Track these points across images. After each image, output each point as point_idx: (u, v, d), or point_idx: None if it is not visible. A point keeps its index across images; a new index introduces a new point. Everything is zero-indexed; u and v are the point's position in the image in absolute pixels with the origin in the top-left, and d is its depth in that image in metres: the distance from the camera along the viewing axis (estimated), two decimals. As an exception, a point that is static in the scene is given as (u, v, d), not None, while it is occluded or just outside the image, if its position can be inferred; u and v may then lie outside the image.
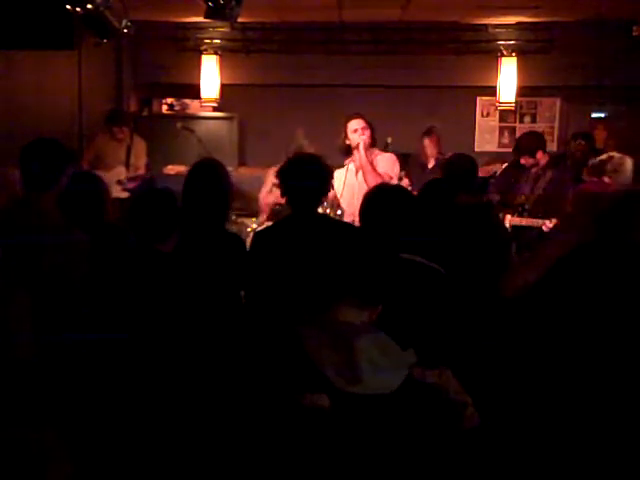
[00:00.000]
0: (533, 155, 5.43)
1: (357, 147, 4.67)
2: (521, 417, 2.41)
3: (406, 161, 6.34)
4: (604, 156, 4.58)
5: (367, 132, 4.71)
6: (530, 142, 5.54)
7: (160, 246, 2.94)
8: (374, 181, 4.39)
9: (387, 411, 1.45)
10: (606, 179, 4.36)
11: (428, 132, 6.73)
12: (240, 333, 3.14)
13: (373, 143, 4.79)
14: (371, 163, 4.65)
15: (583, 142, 6.77)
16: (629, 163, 4.45)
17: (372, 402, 1.44)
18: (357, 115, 4.78)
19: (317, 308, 1.56)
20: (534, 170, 5.50)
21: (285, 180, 3.31)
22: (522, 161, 5.51)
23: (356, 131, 4.71)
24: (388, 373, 1.48)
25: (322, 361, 1.44)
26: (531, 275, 2.70)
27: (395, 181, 4.77)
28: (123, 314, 2.76)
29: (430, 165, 6.66)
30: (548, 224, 4.86)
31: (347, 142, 4.75)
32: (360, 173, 4.71)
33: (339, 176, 4.62)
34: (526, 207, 5.19)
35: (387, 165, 4.75)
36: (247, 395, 1.45)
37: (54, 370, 2.73)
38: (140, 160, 6.70)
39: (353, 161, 4.79)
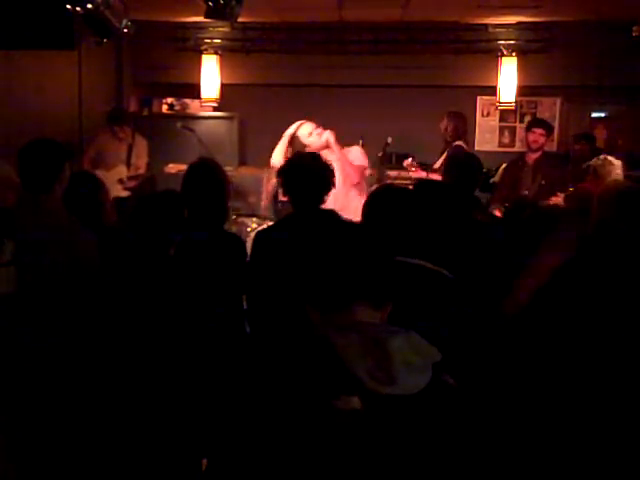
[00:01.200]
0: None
1: (328, 144, 4.66)
2: (520, 422, 2.42)
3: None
4: (598, 160, 4.66)
5: (321, 130, 4.73)
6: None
7: (163, 247, 2.93)
8: (353, 172, 4.56)
9: (417, 410, 1.44)
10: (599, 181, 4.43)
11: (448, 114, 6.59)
12: (241, 334, 3.14)
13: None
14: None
15: (585, 143, 6.80)
16: (618, 165, 4.54)
17: (403, 402, 1.43)
18: (303, 122, 4.81)
19: (334, 308, 1.55)
20: (532, 163, 5.64)
21: (287, 178, 3.31)
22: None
23: (311, 134, 4.74)
24: (420, 372, 1.48)
25: (353, 363, 1.43)
26: (528, 291, 2.70)
27: (367, 172, 4.88)
28: (125, 315, 2.76)
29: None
30: (554, 199, 5.11)
31: (306, 149, 4.63)
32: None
33: None
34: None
35: (359, 157, 4.78)
36: (268, 400, 1.44)
37: (45, 371, 2.73)
38: (141, 159, 6.69)
39: None
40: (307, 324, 1.56)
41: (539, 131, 5.76)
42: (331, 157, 4.03)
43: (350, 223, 3.50)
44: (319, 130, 4.76)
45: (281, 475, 1.38)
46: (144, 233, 2.94)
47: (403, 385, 1.42)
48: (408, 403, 1.42)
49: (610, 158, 4.68)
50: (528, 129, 5.93)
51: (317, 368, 1.42)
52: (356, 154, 4.79)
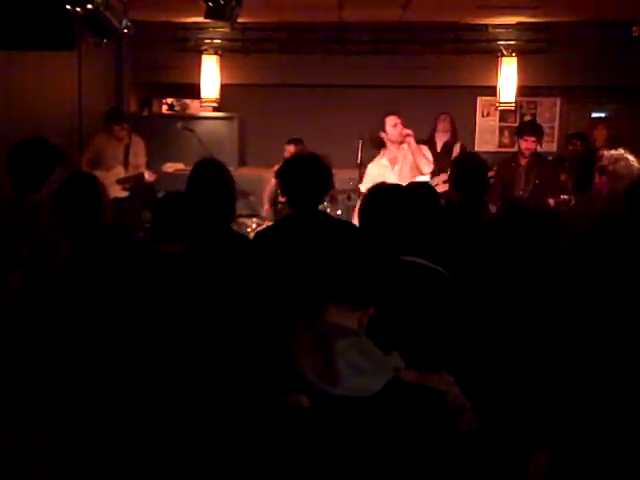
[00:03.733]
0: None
1: (406, 139, 5.12)
2: (519, 421, 2.41)
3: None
4: (611, 156, 4.58)
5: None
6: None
7: (173, 248, 2.93)
8: (426, 165, 5.09)
9: (367, 413, 1.45)
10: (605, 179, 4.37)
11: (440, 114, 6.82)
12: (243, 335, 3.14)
13: None
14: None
15: (579, 143, 6.80)
16: (634, 163, 4.45)
17: (351, 404, 1.44)
18: (394, 112, 5.20)
19: (311, 309, 1.55)
20: (524, 164, 5.66)
21: (285, 179, 3.31)
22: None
23: (395, 126, 5.13)
24: (369, 376, 1.48)
25: (302, 361, 1.44)
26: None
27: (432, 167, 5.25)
28: (132, 315, 2.76)
29: (439, 149, 6.68)
30: (551, 201, 5.16)
31: (382, 135, 5.17)
32: (397, 166, 5.17)
33: (372, 171, 5.15)
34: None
35: (428, 153, 5.25)
36: (236, 395, 1.46)
37: (52, 369, 2.73)
38: (140, 158, 6.68)
39: (384, 155, 5.24)
40: (274, 324, 1.57)
41: (531, 139, 5.74)
42: (406, 151, 5.06)
43: (342, 224, 3.51)
44: (402, 128, 5.15)
45: (228, 470, 1.40)
46: (157, 233, 2.94)
47: (348, 386, 1.42)
48: (357, 405, 1.42)
49: (625, 155, 4.56)
50: (520, 135, 5.89)
51: (271, 365, 1.44)
52: (426, 151, 5.26)
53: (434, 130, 6.79)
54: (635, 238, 2.68)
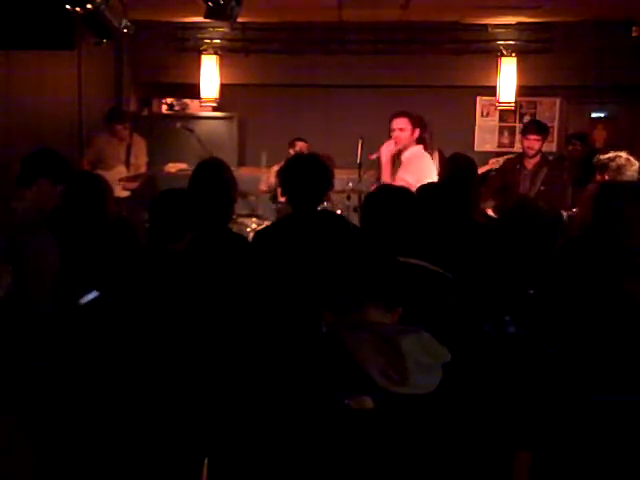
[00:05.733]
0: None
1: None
2: (517, 419, 2.42)
3: None
4: (611, 154, 4.56)
5: (402, 133, 4.79)
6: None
7: (173, 246, 2.94)
8: (386, 181, 4.59)
9: (430, 410, 1.45)
10: (607, 177, 4.36)
11: None
12: (246, 333, 3.14)
13: (420, 141, 4.90)
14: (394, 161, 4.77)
15: (578, 143, 6.79)
16: (634, 163, 4.43)
17: (416, 402, 1.43)
18: (399, 114, 4.88)
19: (347, 308, 1.55)
20: (530, 167, 5.59)
21: (285, 179, 3.32)
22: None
23: (394, 130, 4.83)
24: (432, 371, 1.48)
25: (366, 362, 1.43)
26: None
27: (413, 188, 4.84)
28: (136, 311, 2.76)
29: None
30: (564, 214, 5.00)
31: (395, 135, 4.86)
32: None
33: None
34: None
35: (414, 170, 4.65)
36: (280, 398, 1.44)
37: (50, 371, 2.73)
38: (141, 158, 6.68)
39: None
40: (317, 324, 1.56)
41: (533, 137, 5.66)
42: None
43: (343, 224, 3.51)
44: (398, 132, 4.84)
45: (289, 475, 1.38)
46: (158, 231, 2.94)
47: (415, 385, 1.42)
48: (421, 403, 1.42)
49: (625, 155, 4.55)
50: (523, 134, 5.86)
51: (329, 367, 1.43)
52: (414, 165, 4.96)
53: None
54: (598, 239, 2.69)
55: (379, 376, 1.41)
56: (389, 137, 4.92)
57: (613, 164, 4.38)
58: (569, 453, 2.35)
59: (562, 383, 2.42)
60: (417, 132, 4.87)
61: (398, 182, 4.37)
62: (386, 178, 4.72)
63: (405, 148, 4.82)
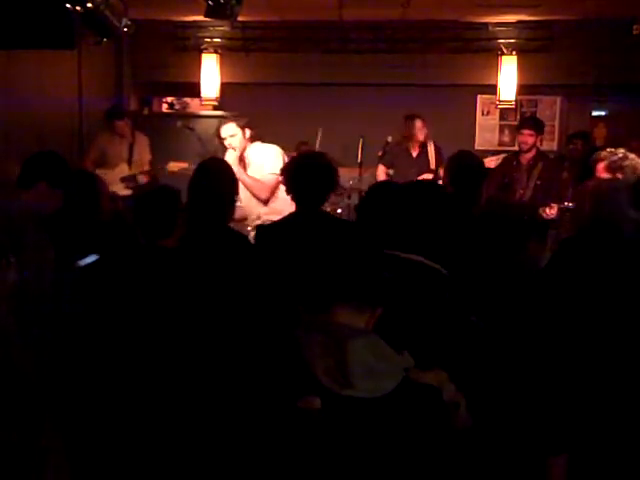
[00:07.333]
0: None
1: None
2: (516, 418, 2.41)
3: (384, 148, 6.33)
4: (620, 154, 4.54)
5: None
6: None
7: (163, 242, 2.94)
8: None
9: (380, 414, 1.45)
10: (619, 176, 4.35)
11: (414, 116, 6.63)
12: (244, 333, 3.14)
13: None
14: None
15: (579, 142, 6.79)
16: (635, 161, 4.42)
17: (364, 405, 1.43)
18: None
19: (316, 308, 1.55)
20: (525, 163, 5.62)
21: (290, 177, 3.31)
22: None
23: None
24: (382, 376, 1.48)
25: (314, 363, 1.44)
26: None
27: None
28: (127, 310, 2.76)
29: (415, 153, 6.63)
30: (548, 212, 5.07)
31: None
32: None
33: None
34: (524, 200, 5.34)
35: (263, 159, 4.67)
36: (245, 396, 1.45)
37: (52, 371, 2.73)
38: (144, 156, 6.68)
39: None
40: (281, 323, 1.57)
41: (527, 132, 5.70)
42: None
43: (344, 224, 3.51)
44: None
45: (238, 471, 1.39)
46: (146, 228, 2.95)
47: (360, 388, 1.42)
48: (370, 406, 1.42)
49: (628, 153, 4.53)
50: (517, 129, 5.93)
51: (284, 367, 1.44)
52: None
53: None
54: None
55: (324, 377, 1.41)
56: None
57: (613, 165, 4.37)
58: (603, 453, 2.35)
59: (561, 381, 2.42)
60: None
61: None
62: None
63: None
